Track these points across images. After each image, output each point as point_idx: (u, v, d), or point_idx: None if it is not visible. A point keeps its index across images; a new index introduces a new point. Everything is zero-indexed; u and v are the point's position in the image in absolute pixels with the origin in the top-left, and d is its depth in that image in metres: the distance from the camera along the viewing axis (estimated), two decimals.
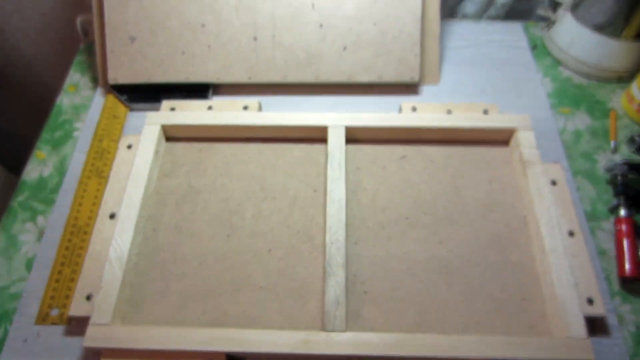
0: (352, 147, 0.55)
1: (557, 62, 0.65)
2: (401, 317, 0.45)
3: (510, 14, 0.71)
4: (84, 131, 0.58)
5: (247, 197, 0.52)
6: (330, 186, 0.49)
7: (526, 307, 0.45)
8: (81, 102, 0.61)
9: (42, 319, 0.46)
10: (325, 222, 0.49)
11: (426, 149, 0.55)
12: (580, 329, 0.41)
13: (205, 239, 0.49)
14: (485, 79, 0.63)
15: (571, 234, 0.48)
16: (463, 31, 0.68)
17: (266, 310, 0.45)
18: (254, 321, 0.45)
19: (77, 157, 0.56)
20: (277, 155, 0.55)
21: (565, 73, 0.64)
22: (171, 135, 0.55)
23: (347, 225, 0.48)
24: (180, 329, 0.42)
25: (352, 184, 0.52)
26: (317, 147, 0.55)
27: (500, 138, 0.55)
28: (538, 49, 0.67)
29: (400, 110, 0.57)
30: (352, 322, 0.44)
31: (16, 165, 0.76)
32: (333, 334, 0.42)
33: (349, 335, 0.41)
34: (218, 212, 0.51)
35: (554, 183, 0.51)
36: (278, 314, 0.45)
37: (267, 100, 0.59)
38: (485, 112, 0.56)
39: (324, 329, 0.42)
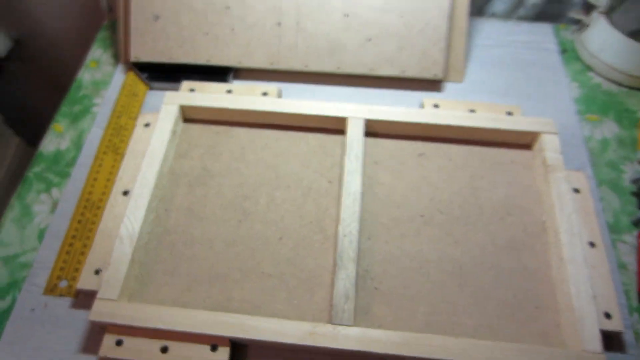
0: (370, 140, 0.54)
1: (587, 68, 0.63)
2: (411, 316, 0.44)
3: (541, 15, 0.69)
4: (103, 107, 0.58)
5: (261, 183, 0.51)
6: (346, 178, 0.48)
7: (539, 316, 0.44)
8: (102, 78, 0.61)
9: (51, 289, 0.46)
10: (338, 214, 0.48)
11: (446, 147, 0.54)
12: (596, 343, 0.40)
13: (216, 223, 0.49)
14: (510, 80, 0.61)
15: (592, 244, 0.47)
16: (491, 30, 0.66)
17: (273, 299, 0.45)
18: (260, 309, 0.44)
19: (95, 132, 0.56)
20: (293, 143, 0.54)
21: (595, 79, 0.62)
22: (189, 116, 0.55)
23: (360, 219, 0.47)
24: (187, 311, 0.42)
25: (368, 178, 0.51)
26: (334, 138, 0.54)
27: (523, 141, 0.53)
28: (568, 52, 0.65)
29: (422, 106, 0.56)
30: (361, 317, 0.43)
31: (34, 138, 0.77)
32: (340, 328, 0.41)
33: (356, 331, 0.41)
34: (231, 197, 0.50)
35: (576, 191, 0.50)
36: (285, 303, 0.44)
37: (287, 87, 0.58)
38: (509, 113, 0.54)
39: (331, 321, 0.41)
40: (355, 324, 0.42)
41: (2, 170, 0.88)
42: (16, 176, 0.88)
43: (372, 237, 0.48)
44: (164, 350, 0.41)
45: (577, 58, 0.64)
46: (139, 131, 0.53)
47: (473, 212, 0.49)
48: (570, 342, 0.41)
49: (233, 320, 0.41)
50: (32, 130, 0.86)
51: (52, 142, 0.56)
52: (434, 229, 0.48)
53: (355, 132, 0.52)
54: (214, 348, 0.41)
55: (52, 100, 0.64)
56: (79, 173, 0.53)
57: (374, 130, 0.54)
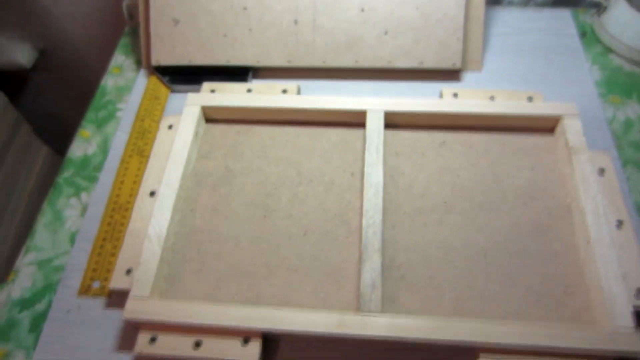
0: (390, 132, 0.54)
1: (608, 50, 0.62)
2: (438, 303, 0.44)
3: (559, 1, 0.68)
4: (127, 111, 0.59)
5: (283, 180, 0.52)
6: (367, 170, 0.49)
7: (568, 299, 0.43)
8: (125, 84, 0.63)
9: (84, 291, 0.48)
10: (361, 207, 0.48)
11: (467, 136, 0.53)
12: (627, 319, 0.40)
13: (241, 221, 0.49)
14: (530, 67, 0.61)
15: (619, 224, 0.46)
16: (508, 18, 0.66)
17: (300, 293, 0.45)
18: (289, 303, 0.45)
19: (120, 136, 0.57)
20: (314, 139, 0.54)
21: (616, 61, 0.61)
22: (211, 116, 0.56)
23: (383, 209, 0.48)
24: (218, 306, 0.43)
25: (390, 169, 0.51)
26: (354, 132, 0.54)
27: (545, 126, 0.53)
28: (587, 36, 0.64)
29: (441, 96, 0.56)
30: (388, 306, 0.44)
31: (62, 146, 0.79)
32: (368, 317, 0.41)
33: (384, 318, 0.41)
34: (254, 195, 0.51)
35: (601, 172, 0.49)
36: (312, 296, 0.45)
37: (306, 84, 0.59)
38: (530, 99, 0.54)
39: (359, 311, 0.42)
40: (382, 312, 0.42)
41: (32, 179, 0.91)
42: (46, 184, 0.91)
43: (396, 226, 0.48)
44: (197, 345, 0.42)
45: (598, 41, 0.63)
46: (162, 133, 0.54)
47: (496, 198, 0.49)
48: (601, 321, 0.41)
49: (263, 313, 0.42)
50: (59, 138, 0.89)
51: (79, 148, 0.58)
52: (457, 217, 0.48)
53: (375, 124, 0.52)
54: (245, 341, 0.42)
55: (78, 108, 0.66)
56: (107, 177, 0.55)
57: (394, 122, 0.54)
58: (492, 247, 0.46)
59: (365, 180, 0.48)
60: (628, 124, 0.55)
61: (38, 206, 0.55)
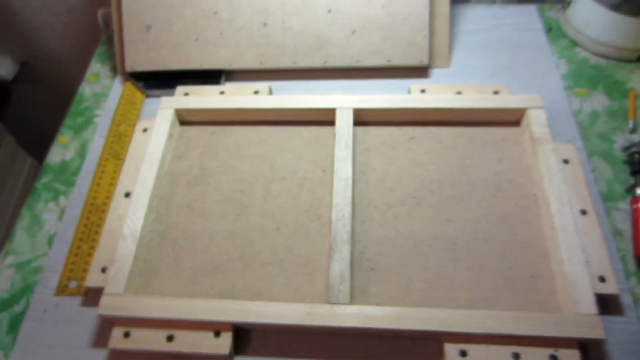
0: (360, 129, 0.55)
1: (573, 44, 0.64)
2: (408, 293, 0.45)
3: None
4: (103, 117, 0.61)
5: (257, 178, 0.53)
6: (337, 166, 0.50)
7: (535, 285, 0.44)
8: (101, 90, 0.64)
9: (61, 290, 0.48)
10: (332, 201, 0.49)
11: (435, 130, 0.55)
12: (590, 306, 0.40)
13: (215, 218, 0.50)
14: (497, 62, 0.62)
15: (583, 212, 0.47)
16: (476, 15, 0.68)
17: (273, 285, 0.46)
18: (261, 295, 0.45)
19: (97, 141, 0.58)
20: (286, 137, 0.56)
21: (582, 54, 0.62)
22: (185, 119, 0.57)
23: (355, 204, 0.49)
24: (190, 300, 0.43)
25: (360, 165, 0.53)
26: (326, 130, 0.56)
27: (511, 118, 0.54)
28: (553, 31, 0.65)
29: (409, 92, 0.57)
30: (359, 297, 0.44)
31: (43, 154, 0.80)
32: (337, 307, 0.42)
33: (353, 309, 0.42)
34: (228, 192, 0.52)
35: (566, 162, 0.50)
36: (284, 288, 0.46)
37: (278, 85, 0.60)
38: (496, 93, 0.55)
39: (328, 302, 0.43)
40: (352, 303, 0.43)
41: (17, 190, 0.91)
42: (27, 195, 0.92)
43: (366, 220, 0.49)
44: (170, 338, 0.42)
45: (563, 35, 0.65)
46: (137, 136, 0.55)
47: (464, 191, 0.50)
48: (565, 307, 0.42)
49: (234, 306, 0.42)
50: (43, 148, 0.89)
51: (57, 154, 0.59)
52: (427, 209, 0.49)
53: (344, 121, 0.53)
54: (217, 334, 0.42)
55: (60, 117, 0.67)
56: (84, 180, 0.56)
57: (363, 119, 0.55)
58: (460, 237, 0.47)
59: (335, 175, 0.49)
60: (594, 116, 0.57)
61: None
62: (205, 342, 0.42)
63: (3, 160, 0.86)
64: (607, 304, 0.43)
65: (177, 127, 0.57)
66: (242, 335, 0.44)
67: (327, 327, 0.41)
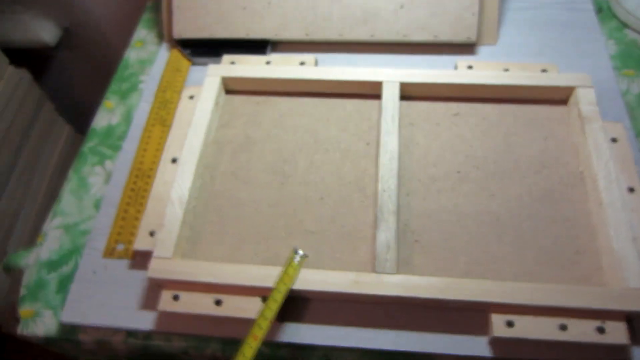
0: (405, 103, 0.55)
1: (623, 25, 0.62)
2: (452, 265, 0.45)
3: None
4: (149, 83, 0.61)
5: (300, 148, 0.53)
6: (383, 138, 0.50)
7: (580, 260, 0.44)
8: (147, 57, 0.65)
9: (109, 253, 0.50)
10: (376, 174, 0.49)
11: (480, 107, 0.54)
12: (638, 280, 0.40)
13: (259, 186, 0.51)
14: (545, 41, 0.61)
15: (631, 190, 0.47)
16: None
17: (317, 254, 0.47)
18: (306, 264, 0.46)
19: (143, 106, 0.59)
20: (330, 109, 0.56)
21: (631, 35, 0.61)
22: (230, 88, 0.57)
23: (398, 177, 0.49)
24: (238, 265, 0.44)
25: (404, 139, 0.53)
26: (370, 103, 0.56)
27: (558, 97, 0.53)
28: (603, 12, 0.64)
29: (455, 68, 0.56)
30: (403, 268, 0.45)
31: (83, 126, 0.81)
32: (383, 276, 0.43)
33: (399, 278, 0.42)
34: (272, 162, 0.52)
35: (614, 140, 0.50)
36: (329, 258, 0.46)
37: (323, 57, 0.60)
38: (544, 71, 0.55)
39: (374, 270, 0.43)
40: (397, 272, 0.43)
41: (54, 158, 0.93)
42: (66, 165, 0.93)
43: (410, 193, 0.49)
44: (218, 303, 0.44)
45: (613, 16, 0.63)
46: (184, 103, 0.56)
47: (508, 167, 0.50)
48: (612, 282, 0.42)
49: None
50: (81, 118, 0.91)
51: (103, 118, 0.60)
52: (470, 184, 0.49)
53: (390, 95, 0.53)
54: (264, 300, 0.43)
55: (99, 87, 0.67)
56: (130, 145, 0.57)
57: (409, 93, 0.55)
58: (504, 212, 0.47)
59: (381, 148, 0.49)
60: None
61: (60, 184, 0.56)
62: (252, 308, 0.43)
63: (42, 126, 0.88)
64: None
65: (223, 96, 0.57)
66: (289, 302, 0.45)
67: (374, 295, 0.42)
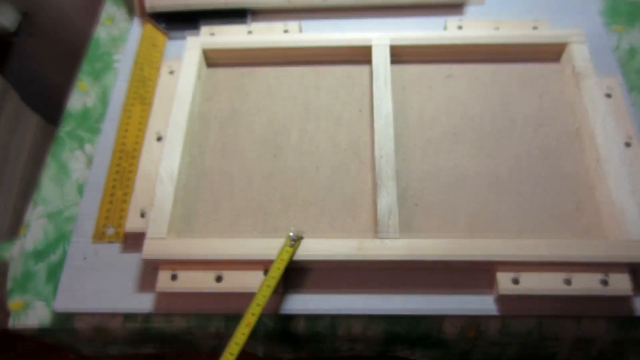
0: (396, 67, 0.53)
1: None
2: (453, 226, 0.44)
3: None
4: (124, 62, 0.58)
5: (291, 118, 0.51)
6: (376, 103, 0.49)
7: (580, 216, 0.44)
8: (119, 34, 0.61)
9: (99, 237, 0.47)
10: (372, 140, 0.48)
11: (473, 67, 0.53)
12: (639, 231, 0.41)
13: (252, 159, 0.49)
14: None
15: (628, 144, 0.47)
16: None
17: (317, 224, 0.45)
18: (306, 234, 0.45)
19: (119, 86, 0.56)
20: (320, 77, 0.54)
21: None
22: (212, 60, 0.55)
23: (394, 142, 0.48)
24: (236, 240, 0.43)
25: (397, 103, 0.51)
26: (360, 69, 0.54)
27: (551, 53, 0.53)
28: None
29: (445, 28, 0.55)
30: (405, 232, 0.44)
31: (53, 115, 0.77)
32: (387, 241, 0.42)
33: (403, 242, 0.41)
34: (263, 133, 0.51)
35: (608, 96, 0.49)
36: (329, 227, 0.45)
37: (307, 24, 0.58)
38: (535, 28, 0.54)
39: (377, 236, 0.42)
40: (400, 236, 0.42)
41: (25, 149, 0.89)
42: (38, 156, 0.89)
43: (407, 158, 0.48)
44: (219, 279, 0.42)
45: None
46: (164, 79, 0.53)
47: (505, 127, 0.49)
48: (613, 235, 0.42)
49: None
50: (49, 107, 0.86)
51: (78, 100, 0.57)
52: (467, 145, 0.49)
53: (381, 58, 0.51)
54: (266, 272, 0.42)
55: (68, 71, 0.63)
56: (109, 127, 0.54)
57: (400, 57, 0.53)
58: (503, 172, 0.47)
59: (375, 113, 0.48)
60: (632, 52, 0.55)
61: (32, 179, 0.53)
62: (255, 281, 0.42)
63: (7, 117, 0.83)
64: None
65: (205, 69, 0.55)
66: (291, 272, 0.44)
67: (379, 261, 0.41)
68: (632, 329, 0.42)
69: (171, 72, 0.54)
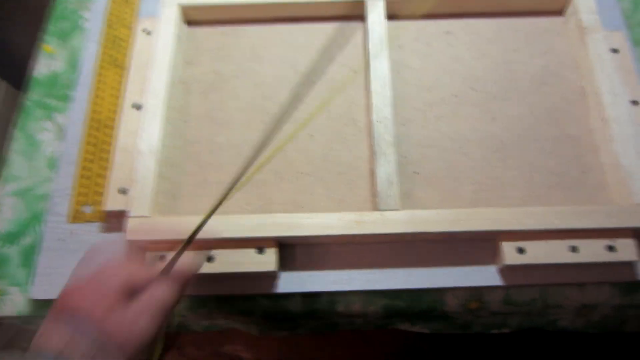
0: (392, 24, 0.49)
1: None
2: (457, 196, 0.42)
3: None
4: (93, 20, 0.52)
5: (280, 82, 0.48)
6: (372, 63, 0.45)
7: (586, 180, 0.43)
8: None
9: (75, 217, 0.44)
10: (368, 103, 0.45)
11: (474, 23, 0.50)
12: None
13: (239, 128, 0.46)
14: None
15: (634, 103, 0.45)
16: None
17: (313, 196, 0.43)
18: (302, 208, 0.42)
19: (90, 47, 0.51)
20: (309, 35, 0.50)
21: None
22: (192, 18, 0.50)
23: (392, 105, 0.44)
24: (229, 217, 0.40)
25: (394, 63, 0.48)
26: (353, 25, 0.50)
27: (554, 7, 0.49)
28: None
29: None
30: (405, 202, 0.42)
31: (20, 80, 0.71)
32: (387, 213, 0.39)
33: (404, 214, 0.39)
34: (250, 99, 0.47)
35: (615, 51, 0.47)
36: (326, 199, 0.43)
37: None
38: None
39: (376, 208, 0.40)
40: (401, 208, 0.40)
41: None
42: (6, 122, 0.83)
43: (406, 122, 0.45)
44: (210, 259, 0.39)
45: None
46: (140, 39, 0.48)
47: (508, 87, 0.47)
48: (619, 199, 0.41)
49: (277, 220, 0.39)
50: (18, 72, 0.80)
51: (44, 65, 0.51)
52: (470, 108, 0.46)
53: (375, 14, 0.47)
54: (260, 251, 0.39)
55: (33, 31, 0.57)
56: (81, 93, 0.49)
57: (395, 12, 0.49)
58: (507, 135, 0.45)
59: (371, 74, 0.44)
60: (637, 3, 0.52)
61: (3, 148, 0.49)
62: (248, 260, 0.39)
63: None
64: None
65: (185, 28, 0.50)
66: (286, 249, 0.41)
67: (379, 234, 0.39)
68: (635, 293, 0.41)
69: (148, 33, 0.49)
